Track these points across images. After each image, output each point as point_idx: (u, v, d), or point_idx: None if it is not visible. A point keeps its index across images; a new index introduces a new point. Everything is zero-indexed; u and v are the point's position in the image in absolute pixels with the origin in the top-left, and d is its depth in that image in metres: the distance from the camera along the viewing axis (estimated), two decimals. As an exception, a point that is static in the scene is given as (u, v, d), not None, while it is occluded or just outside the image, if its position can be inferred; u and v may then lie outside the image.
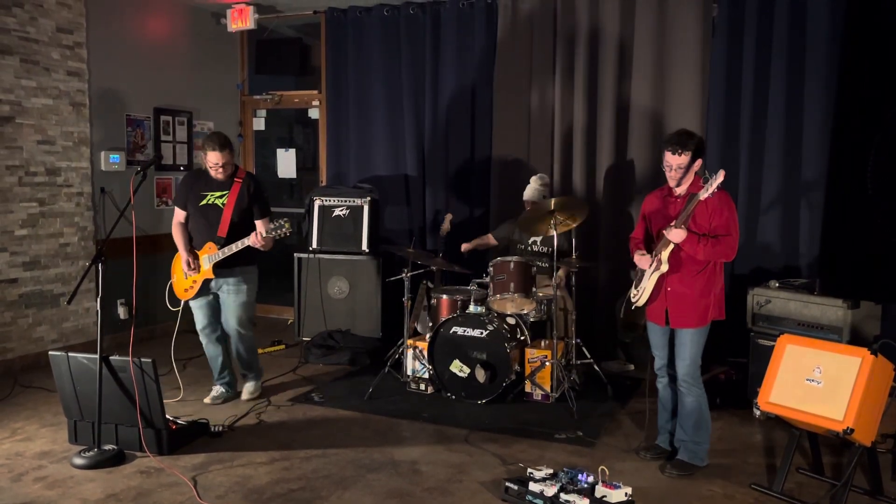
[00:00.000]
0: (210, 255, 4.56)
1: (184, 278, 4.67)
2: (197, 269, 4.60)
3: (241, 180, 4.64)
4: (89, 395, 3.91)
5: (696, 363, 3.78)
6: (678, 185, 3.74)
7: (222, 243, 4.54)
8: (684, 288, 3.73)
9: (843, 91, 4.94)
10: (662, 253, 3.71)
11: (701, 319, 3.74)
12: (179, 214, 4.72)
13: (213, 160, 4.52)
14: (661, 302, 3.80)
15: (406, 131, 6.60)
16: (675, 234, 3.60)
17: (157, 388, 3.87)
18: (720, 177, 3.45)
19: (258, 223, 4.65)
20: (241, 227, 4.59)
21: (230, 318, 4.71)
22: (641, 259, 3.83)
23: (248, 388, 4.93)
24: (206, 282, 4.63)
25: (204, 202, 4.63)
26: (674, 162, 3.68)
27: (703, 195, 3.51)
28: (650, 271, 3.78)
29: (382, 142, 6.72)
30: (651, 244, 3.87)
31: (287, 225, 4.44)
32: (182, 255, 4.64)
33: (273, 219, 4.61)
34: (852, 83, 4.89)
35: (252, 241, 4.45)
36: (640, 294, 3.85)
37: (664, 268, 3.72)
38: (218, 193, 4.62)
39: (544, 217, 4.80)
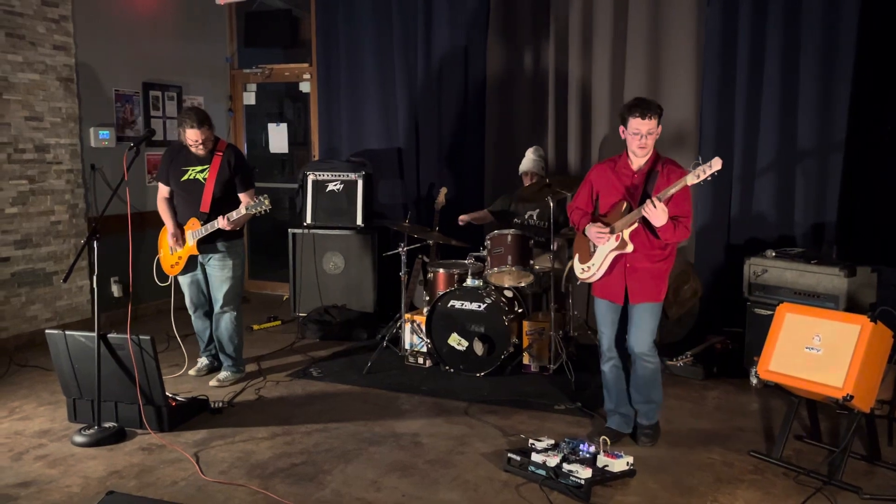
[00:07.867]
0: (193, 232, 4.49)
1: (170, 253, 4.63)
2: (182, 244, 4.56)
3: (221, 153, 4.51)
4: (88, 373, 3.89)
5: (654, 334, 3.69)
6: (648, 153, 3.55)
7: (205, 219, 4.46)
8: (649, 264, 3.59)
9: (861, 63, 4.83)
10: (624, 232, 3.52)
11: (660, 293, 3.67)
12: (163, 190, 4.64)
13: (191, 138, 4.37)
14: (618, 278, 3.64)
15: (398, 104, 6.53)
16: (658, 217, 3.39)
17: (157, 365, 3.85)
18: (716, 165, 3.27)
19: (242, 196, 4.54)
20: (225, 201, 4.49)
21: (216, 293, 4.63)
22: (599, 235, 3.58)
23: (220, 375, 4.69)
24: (193, 258, 4.59)
25: (185, 177, 4.52)
26: (644, 128, 3.45)
27: (693, 180, 3.33)
28: (606, 248, 3.60)
29: (375, 115, 6.65)
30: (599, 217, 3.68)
31: (267, 201, 4.27)
32: (168, 230, 4.59)
33: (255, 194, 4.50)
34: (870, 50, 4.79)
35: (221, 224, 4.36)
36: (593, 271, 3.67)
37: (629, 248, 3.54)
38: (199, 168, 4.51)
39: (542, 189, 4.78)
